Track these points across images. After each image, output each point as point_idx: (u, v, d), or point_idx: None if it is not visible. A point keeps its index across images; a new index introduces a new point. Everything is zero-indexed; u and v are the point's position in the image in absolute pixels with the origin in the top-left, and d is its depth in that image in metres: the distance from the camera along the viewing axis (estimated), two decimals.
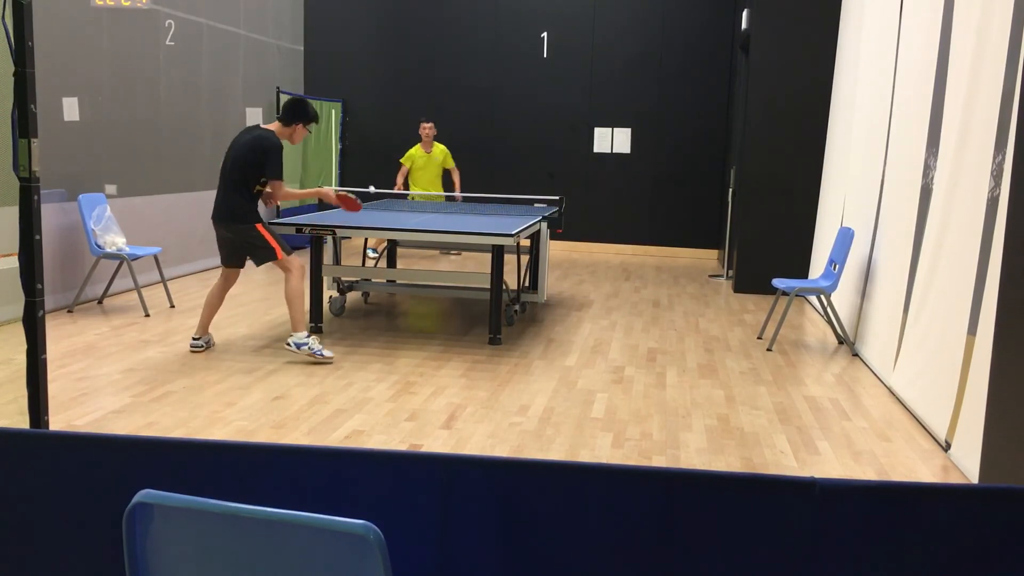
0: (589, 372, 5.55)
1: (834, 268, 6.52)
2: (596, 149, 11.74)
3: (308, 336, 5.58)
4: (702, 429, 4.53)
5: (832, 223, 7.72)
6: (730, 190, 10.05)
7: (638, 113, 11.58)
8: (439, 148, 10.06)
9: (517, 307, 7.01)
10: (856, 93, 7.30)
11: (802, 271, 8.55)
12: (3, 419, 4.33)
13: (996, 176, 4.06)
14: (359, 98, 12.19)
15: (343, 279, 7.20)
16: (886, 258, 5.91)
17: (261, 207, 7.10)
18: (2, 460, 1.86)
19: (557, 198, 8.02)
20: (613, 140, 11.67)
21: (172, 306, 7.19)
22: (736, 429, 4.54)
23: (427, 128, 9.95)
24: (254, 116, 10.38)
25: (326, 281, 6.91)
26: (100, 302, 7.22)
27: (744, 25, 9.54)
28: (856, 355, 6.21)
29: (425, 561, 1.75)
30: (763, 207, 8.62)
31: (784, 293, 6.55)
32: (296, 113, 5.72)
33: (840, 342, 6.61)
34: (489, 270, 6.21)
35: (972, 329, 4.15)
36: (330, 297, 7.11)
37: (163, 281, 7.38)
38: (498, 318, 6.18)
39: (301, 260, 5.75)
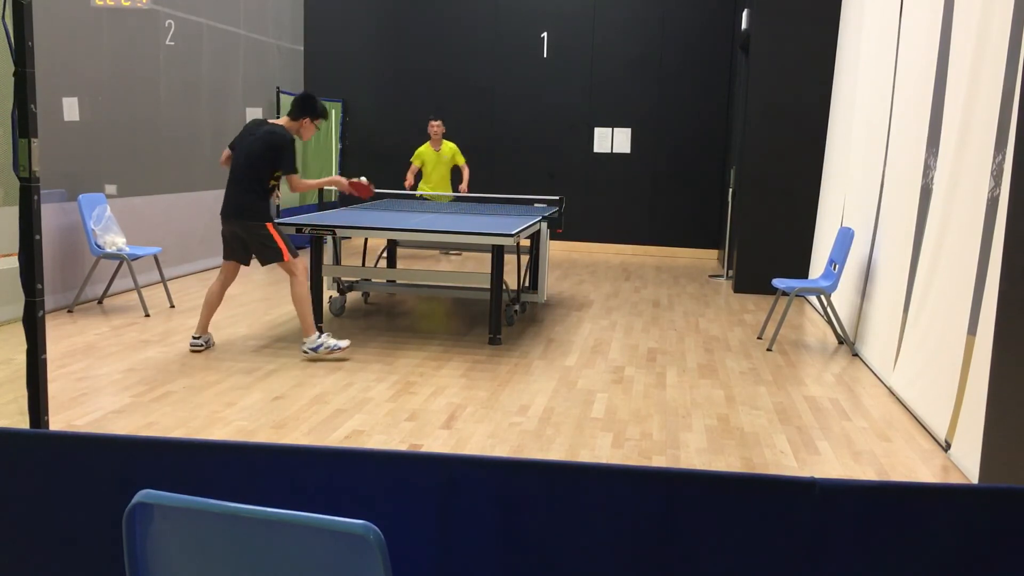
0: (589, 372, 5.55)
1: (834, 268, 6.52)
2: (596, 149, 11.74)
3: (319, 336, 5.59)
4: (702, 429, 4.53)
5: (832, 223, 7.72)
6: (730, 190, 10.05)
7: (638, 113, 11.58)
8: (448, 146, 10.03)
9: (517, 307, 7.01)
10: (856, 93, 7.30)
11: (802, 271, 8.55)
12: (3, 419, 4.33)
13: (996, 176, 4.06)
14: (359, 98, 12.19)
15: (343, 279, 7.20)
16: (886, 258, 5.91)
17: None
18: (2, 460, 1.86)
19: (557, 198, 8.02)
20: (613, 140, 11.67)
21: (172, 306, 7.19)
22: (736, 429, 4.54)
23: (435, 126, 9.92)
24: (254, 116, 10.38)
25: (326, 281, 6.91)
26: (100, 302, 7.22)
27: (744, 25, 9.54)
28: (856, 355, 6.21)
29: (425, 561, 1.75)
30: (763, 207, 8.62)
31: (784, 293, 6.55)
32: (304, 108, 5.72)
33: (840, 342, 6.61)
34: (489, 270, 6.21)
35: (972, 329, 4.15)
36: (330, 297, 7.11)
37: (163, 281, 7.38)
38: (498, 318, 6.18)
39: (305, 263, 5.76)
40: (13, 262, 3.76)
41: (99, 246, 6.85)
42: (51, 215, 6.75)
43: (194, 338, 5.77)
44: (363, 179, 6.00)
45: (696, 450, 4.22)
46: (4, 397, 4.70)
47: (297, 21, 11.89)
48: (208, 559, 1.51)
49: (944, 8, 5.10)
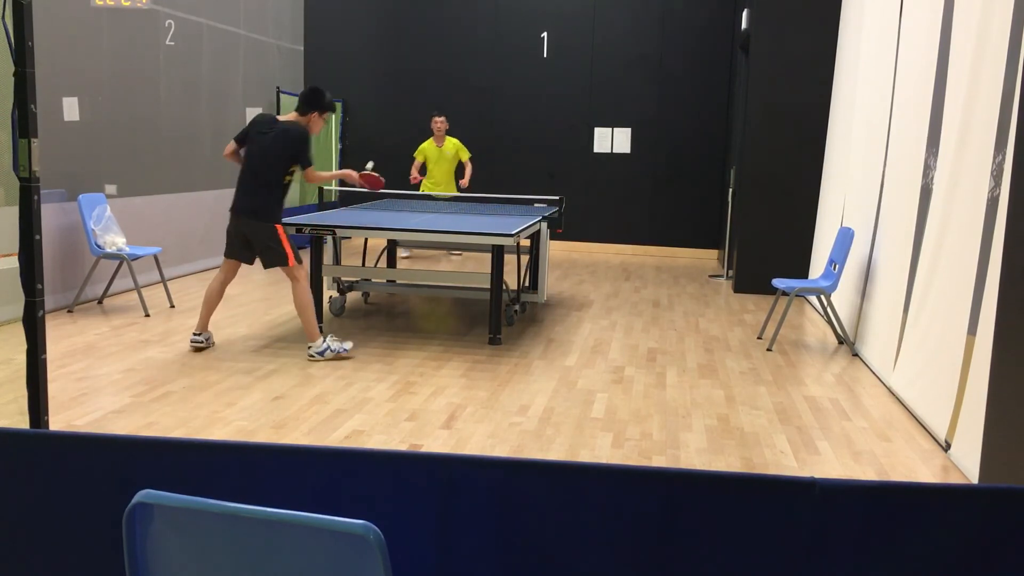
0: (589, 372, 5.55)
1: (834, 268, 6.52)
2: (596, 149, 11.74)
3: (324, 341, 5.60)
4: (702, 429, 4.53)
5: (832, 223, 7.72)
6: (730, 190, 10.05)
7: (638, 113, 11.58)
8: (451, 142, 10.00)
9: (517, 307, 7.01)
10: (856, 93, 7.30)
11: (802, 271, 8.55)
12: (3, 419, 4.33)
13: (996, 176, 4.06)
14: (359, 98, 12.19)
15: (343, 279, 7.20)
16: (886, 258, 5.91)
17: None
18: (2, 460, 1.86)
19: (557, 198, 8.02)
20: (613, 140, 11.67)
21: (172, 306, 7.19)
22: (736, 429, 4.54)
23: (439, 122, 9.88)
24: (254, 116, 10.36)
25: (326, 281, 6.91)
26: (100, 302, 7.22)
27: (744, 25, 9.54)
28: (856, 355, 6.21)
29: (425, 561, 1.75)
30: (763, 207, 8.62)
31: (784, 293, 6.55)
32: (312, 102, 5.70)
33: (840, 342, 6.61)
34: (489, 270, 6.21)
35: (972, 329, 4.15)
36: (330, 297, 7.11)
37: (163, 281, 7.38)
38: (498, 318, 6.18)
39: (307, 269, 5.76)
40: (13, 262, 3.76)
41: (99, 246, 6.85)
42: (51, 215, 6.75)
43: (195, 335, 5.77)
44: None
45: (696, 450, 4.22)
46: (4, 397, 4.69)
47: (297, 21, 11.89)
48: (208, 559, 1.51)
49: (944, 8, 5.10)
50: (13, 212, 3.33)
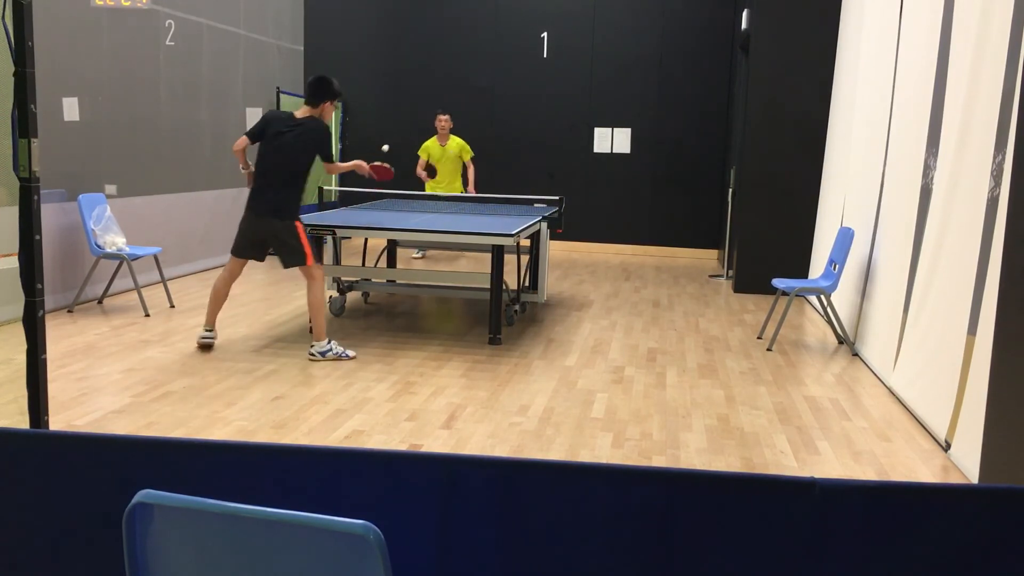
0: (589, 372, 5.55)
1: (834, 268, 6.52)
2: (596, 149, 11.74)
3: (329, 343, 5.60)
4: (702, 429, 4.53)
5: (832, 223, 7.72)
6: (730, 190, 10.05)
7: (638, 113, 11.58)
8: (455, 141, 9.96)
9: (517, 307, 7.01)
10: (856, 93, 7.30)
11: (802, 271, 8.55)
12: (3, 419, 4.33)
13: (996, 176, 4.06)
14: (359, 98, 12.19)
15: (343, 279, 7.20)
16: (886, 258, 5.91)
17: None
18: (2, 460, 1.86)
19: (557, 198, 8.02)
20: (613, 140, 11.67)
21: (172, 306, 7.19)
22: (736, 429, 4.54)
23: (443, 120, 9.83)
24: (254, 116, 10.38)
25: (326, 281, 6.91)
26: (100, 302, 7.22)
27: (744, 25, 9.54)
28: (856, 355, 6.21)
29: (425, 561, 1.75)
30: (763, 207, 8.62)
31: (784, 293, 6.55)
32: (323, 92, 5.68)
33: (840, 342, 6.61)
34: (489, 270, 6.21)
35: (972, 329, 4.15)
36: (330, 297, 7.11)
37: (163, 281, 7.38)
38: (498, 318, 6.18)
39: (323, 269, 5.75)
40: (13, 262, 3.76)
41: (99, 246, 6.85)
42: (51, 215, 6.75)
43: (207, 330, 5.76)
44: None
45: (696, 450, 4.22)
46: (4, 397, 4.70)
47: (297, 21, 11.89)
48: (208, 559, 1.51)
49: (944, 8, 5.10)
50: (13, 212, 3.33)
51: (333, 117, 11.73)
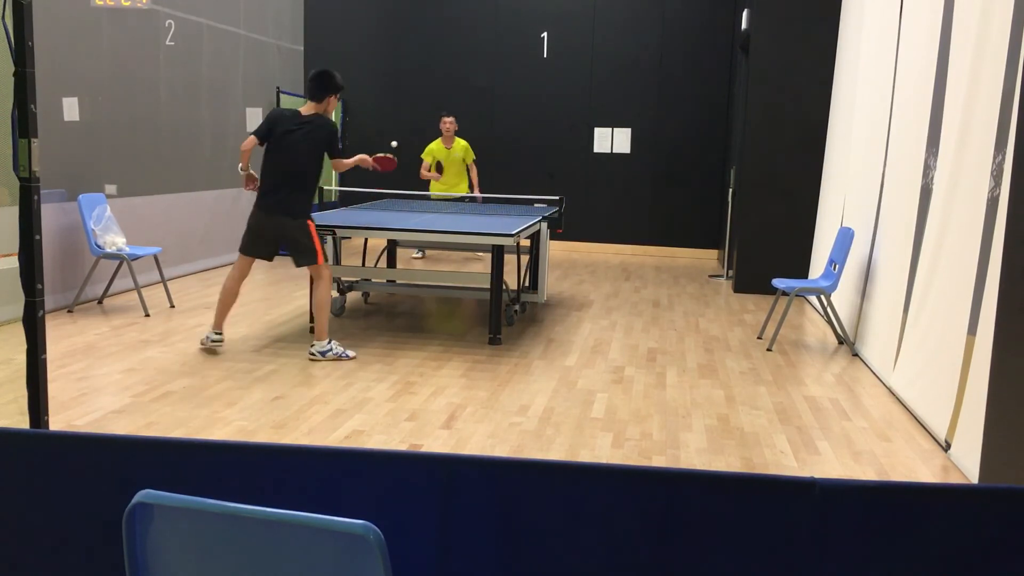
0: (589, 372, 5.55)
1: (834, 268, 6.52)
2: (596, 149, 11.74)
3: (330, 343, 5.60)
4: (702, 429, 4.53)
5: (832, 223, 7.72)
6: (730, 190, 10.05)
7: (638, 113, 11.58)
8: (460, 144, 9.91)
9: (517, 307, 7.01)
10: (856, 93, 7.30)
11: (802, 271, 8.55)
12: (3, 419, 4.33)
13: (996, 176, 4.06)
14: (359, 98, 12.19)
15: (343, 279, 7.20)
16: (886, 258, 5.91)
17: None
18: (2, 460, 1.86)
19: (557, 198, 8.02)
20: (613, 140, 11.67)
21: (172, 306, 7.19)
22: (736, 429, 4.54)
23: (448, 123, 9.76)
24: (254, 116, 10.38)
25: None
26: (100, 302, 7.22)
27: (744, 25, 9.54)
28: (856, 355, 6.21)
29: (425, 561, 1.75)
30: (763, 207, 8.62)
31: (784, 293, 6.55)
32: (327, 86, 5.64)
33: (840, 342, 6.61)
34: (489, 270, 6.21)
35: (972, 329, 4.15)
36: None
37: (163, 281, 7.38)
38: (498, 318, 6.18)
39: (331, 268, 5.74)
40: (13, 262, 3.76)
41: (99, 246, 6.85)
42: (51, 215, 6.75)
43: (216, 333, 5.71)
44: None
45: (696, 450, 4.22)
46: (4, 397, 4.70)
47: (297, 21, 11.89)
48: (208, 559, 1.51)
49: (944, 8, 5.10)
50: (13, 212, 3.33)
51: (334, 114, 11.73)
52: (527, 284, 7.72)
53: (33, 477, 1.85)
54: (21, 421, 4.25)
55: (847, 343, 6.42)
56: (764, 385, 5.39)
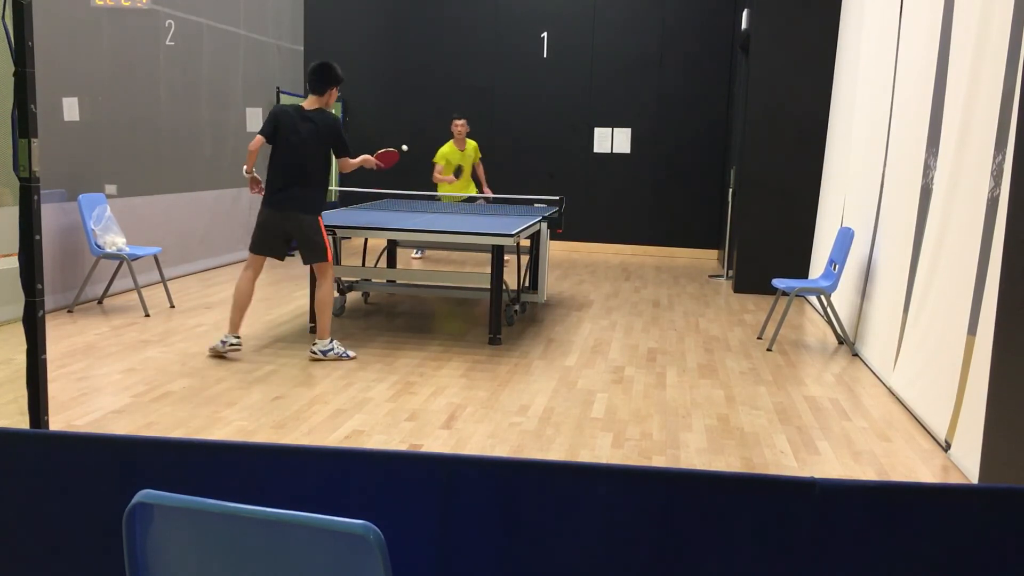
0: (589, 372, 5.55)
1: (834, 268, 6.52)
2: (596, 149, 11.74)
3: (331, 342, 5.59)
4: (702, 429, 4.53)
5: (832, 223, 7.72)
6: (730, 190, 10.05)
7: (638, 113, 11.58)
8: (471, 145, 9.86)
9: (517, 307, 7.01)
10: (856, 93, 7.30)
11: (802, 271, 8.55)
12: (3, 419, 4.33)
13: (996, 176, 4.06)
14: (359, 98, 12.19)
15: (343, 279, 7.20)
16: (886, 258, 5.91)
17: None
18: (2, 460, 1.86)
19: (557, 198, 8.01)
20: (613, 140, 11.67)
21: (172, 306, 7.19)
22: (736, 429, 4.54)
23: (460, 125, 9.67)
24: (254, 116, 10.38)
25: None
26: (100, 302, 7.22)
27: (744, 25, 9.54)
28: (856, 355, 6.21)
29: (425, 561, 1.75)
30: (763, 207, 8.62)
31: (784, 293, 6.55)
32: (328, 79, 5.57)
33: (840, 342, 6.61)
34: (489, 270, 6.21)
35: (972, 329, 4.15)
36: None
37: (163, 281, 7.38)
38: (498, 318, 6.18)
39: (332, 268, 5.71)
40: (13, 262, 3.76)
41: (99, 246, 6.85)
42: (51, 215, 6.75)
43: (235, 338, 5.57)
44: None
45: (696, 450, 4.22)
46: (4, 397, 4.70)
47: (297, 21, 11.89)
48: (208, 559, 1.51)
49: (944, 8, 5.10)
50: (13, 212, 3.33)
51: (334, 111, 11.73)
52: (527, 284, 7.72)
53: (33, 477, 1.85)
54: (21, 421, 4.25)
55: (847, 343, 6.42)
56: (764, 385, 5.39)
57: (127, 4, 8.05)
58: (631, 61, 11.51)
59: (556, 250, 11.87)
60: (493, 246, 6.09)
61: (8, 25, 3.11)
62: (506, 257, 9.96)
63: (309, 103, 5.59)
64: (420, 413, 4.63)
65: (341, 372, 5.35)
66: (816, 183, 8.56)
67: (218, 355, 5.59)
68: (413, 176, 11.59)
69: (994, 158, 4.09)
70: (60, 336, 6.06)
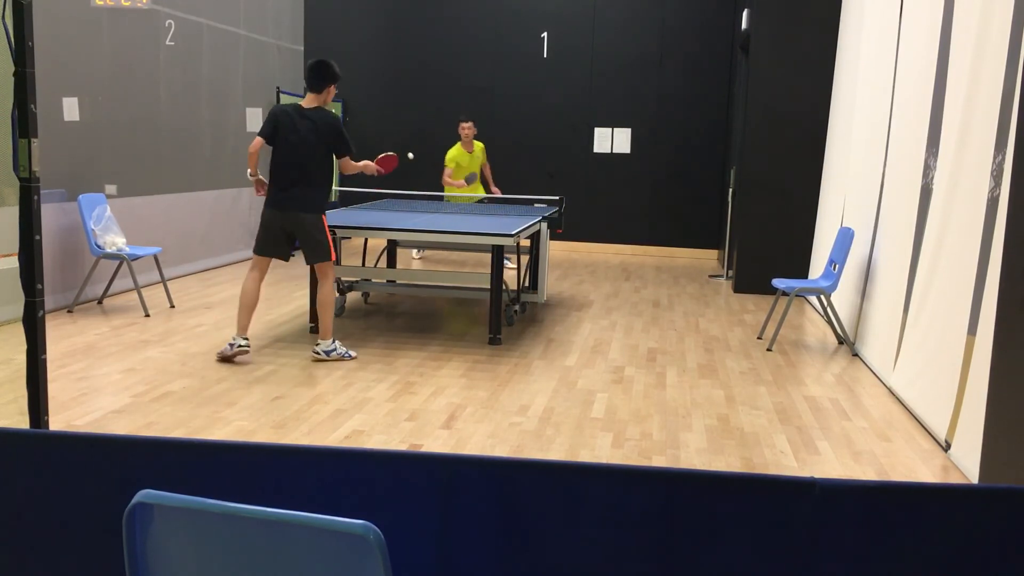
0: (589, 372, 5.55)
1: (834, 268, 6.52)
2: (596, 149, 11.74)
3: (334, 342, 5.59)
4: (702, 429, 4.53)
5: (832, 223, 7.72)
6: (730, 190, 10.05)
7: (638, 113, 11.58)
8: (478, 146, 9.83)
9: (517, 307, 7.01)
10: (856, 93, 7.30)
11: (802, 271, 8.55)
12: (3, 419, 4.33)
13: (996, 176, 4.06)
14: (359, 98, 12.19)
15: (343, 279, 7.20)
16: (886, 258, 5.91)
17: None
18: (2, 460, 1.86)
19: (557, 198, 8.01)
20: (613, 140, 11.67)
21: (172, 306, 7.19)
22: (736, 429, 4.54)
23: (467, 128, 9.60)
24: (254, 116, 10.38)
25: None
26: (100, 302, 7.22)
27: (744, 25, 9.54)
28: (856, 355, 6.21)
29: (425, 561, 1.75)
30: (763, 207, 8.62)
31: (784, 293, 6.55)
32: (326, 76, 5.55)
33: (840, 342, 6.61)
34: (489, 270, 6.21)
35: (972, 329, 4.15)
36: None
37: (163, 281, 7.38)
38: (498, 318, 6.18)
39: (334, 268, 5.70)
40: (13, 262, 3.76)
41: (99, 246, 6.85)
42: (51, 215, 6.75)
43: (243, 339, 5.50)
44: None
45: (696, 450, 4.22)
46: (4, 397, 4.70)
47: (297, 21, 11.89)
48: (208, 559, 1.51)
49: (944, 8, 5.10)
50: (13, 212, 3.33)
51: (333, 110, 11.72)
52: (527, 284, 7.72)
53: (33, 477, 1.85)
54: (21, 421, 4.25)
55: (847, 343, 6.42)
56: (764, 385, 5.39)
57: (127, 4, 8.05)
58: (631, 61, 11.51)
59: (556, 250, 11.87)
60: (493, 246, 6.09)
61: (8, 25, 3.11)
62: (511, 264, 10.01)
63: (307, 101, 5.58)
64: (420, 413, 4.63)
65: (341, 372, 5.35)
66: (816, 183, 8.56)
67: (226, 359, 5.50)
68: (414, 176, 11.59)
69: (994, 158, 4.09)
70: (60, 336, 6.06)
